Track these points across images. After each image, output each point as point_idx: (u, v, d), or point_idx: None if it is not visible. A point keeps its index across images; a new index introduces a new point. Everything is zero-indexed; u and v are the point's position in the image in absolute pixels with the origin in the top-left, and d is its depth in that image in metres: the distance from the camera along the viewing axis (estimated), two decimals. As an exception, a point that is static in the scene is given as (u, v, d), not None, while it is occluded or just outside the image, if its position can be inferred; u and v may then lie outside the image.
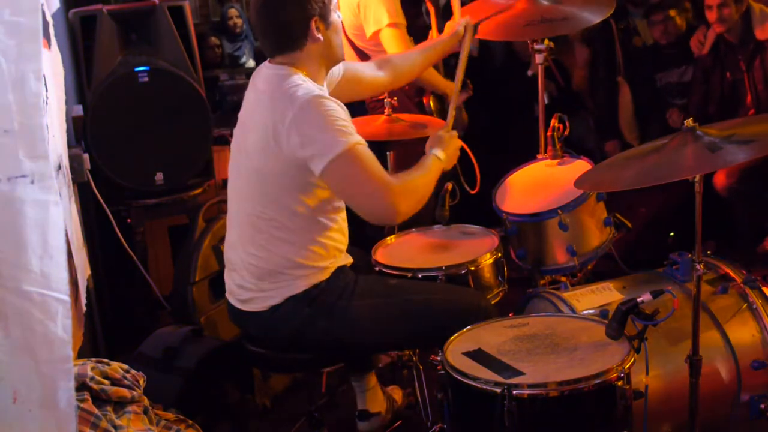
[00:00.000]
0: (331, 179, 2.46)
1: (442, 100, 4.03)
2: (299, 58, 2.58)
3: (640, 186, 2.37)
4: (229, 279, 2.72)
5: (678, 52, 4.96)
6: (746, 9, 4.46)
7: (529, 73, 5.12)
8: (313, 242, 2.57)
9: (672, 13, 4.95)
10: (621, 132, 5.23)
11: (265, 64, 2.65)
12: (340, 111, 2.48)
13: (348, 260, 2.70)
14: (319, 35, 2.58)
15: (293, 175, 2.50)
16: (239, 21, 7.40)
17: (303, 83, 2.51)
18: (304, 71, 2.58)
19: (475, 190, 3.33)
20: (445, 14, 5.24)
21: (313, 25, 2.56)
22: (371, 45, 3.89)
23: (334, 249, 2.62)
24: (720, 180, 4.34)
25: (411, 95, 3.96)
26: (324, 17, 2.59)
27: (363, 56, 3.94)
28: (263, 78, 2.62)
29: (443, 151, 2.72)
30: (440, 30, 4.15)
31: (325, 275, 2.59)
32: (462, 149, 2.88)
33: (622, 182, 2.47)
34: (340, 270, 2.63)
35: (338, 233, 2.65)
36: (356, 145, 2.44)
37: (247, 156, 2.57)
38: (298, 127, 2.42)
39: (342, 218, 2.68)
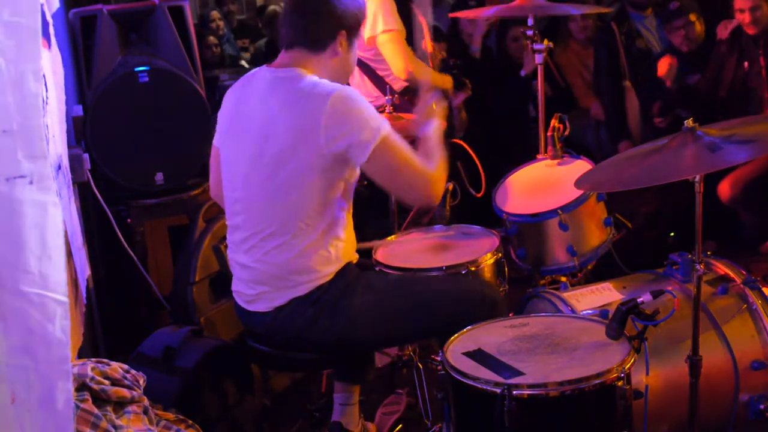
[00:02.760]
0: (378, 168, 2.51)
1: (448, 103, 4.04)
2: (313, 61, 2.59)
3: (640, 186, 2.37)
4: (235, 278, 2.72)
5: (694, 60, 4.92)
6: None
7: (523, 73, 5.13)
8: (323, 251, 2.57)
9: (692, 17, 4.90)
10: (632, 134, 5.22)
11: (266, 69, 2.63)
12: (366, 100, 2.53)
13: (353, 257, 2.70)
14: (340, 50, 2.61)
15: (318, 180, 2.50)
16: (221, 23, 7.46)
17: (319, 80, 2.53)
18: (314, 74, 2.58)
19: (480, 194, 3.34)
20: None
21: (340, 36, 2.59)
22: (371, 55, 3.90)
23: (340, 255, 2.62)
24: (724, 191, 4.32)
25: (415, 103, 3.96)
26: (351, 35, 2.63)
27: (364, 68, 3.95)
28: (271, 83, 2.58)
29: (437, 119, 2.79)
30: (433, 40, 4.18)
31: (329, 276, 2.59)
32: (466, 152, 2.89)
33: (622, 182, 2.47)
34: (344, 268, 2.63)
35: (347, 241, 2.65)
36: (390, 130, 2.52)
37: (265, 164, 2.53)
38: (334, 120, 2.44)
39: (350, 221, 2.68)
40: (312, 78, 2.54)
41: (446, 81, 4.05)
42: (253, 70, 2.69)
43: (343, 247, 2.63)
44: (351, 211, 2.68)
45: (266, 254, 2.57)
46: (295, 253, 2.55)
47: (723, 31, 4.72)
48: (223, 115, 2.75)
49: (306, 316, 2.58)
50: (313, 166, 2.49)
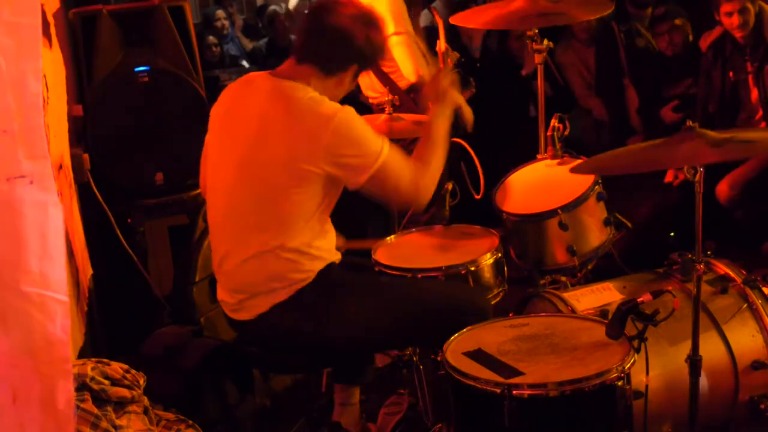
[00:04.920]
0: (372, 187, 2.53)
1: None
2: (317, 80, 2.59)
3: (638, 171, 2.36)
4: (218, 286, 2.71)
5: (684, 64, 4.92)
6: (759, 10, 4.43)
7: (524, 72, 5.13)
8: (302, 256, 2.55)
9: (678, 22, 4.90)
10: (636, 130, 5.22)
11: (269, 77, 2.61)
12: (364, 121, 2.56)
13: (335, 257, 2.68)
14: (346, 81, 2.64)
15: (306, 193, 2.50)
16: (226, 23, 7.46)
17: (322, 98, 2.53)
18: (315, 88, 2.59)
19: (480, 195, 3.34)
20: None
21: (351, 69, 2.61)
22: None
23: (320, 257, 2.60)
24: (723, 192, 4.33)
25: (418, 100, 3.97)
26: (360, 70, 2.67)
27: None
28: (272, 93, 2.57)
29: (444, 104, 2.76)
30: (449, 47, 4.18)
31: (309, 279, 2.57)
32: (468, 154, 2.88)
33: (619, 168, 2.46)
34: (326, 270, 2.61)
35: (327, 241, 2.64)
36: (389, 151, 2.52)
37: (254, 170, 2.53)
38: (336, 142, 2.46)
39: (329, 224, 2.68)
40: (315, 94, 2.54)
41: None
42: (253, 74, 2.68)
43: (323, 248, 2.61)
44: (331, 210, 2.67)
45: (245, 261, 2.56)
46: (273, 260, 2.53)
47: (703, 44, 4.73)
48: (216, 114, 2.74)
49: (290, 322, 2.57)
50: (304, 182, 2.48)
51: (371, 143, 2.51)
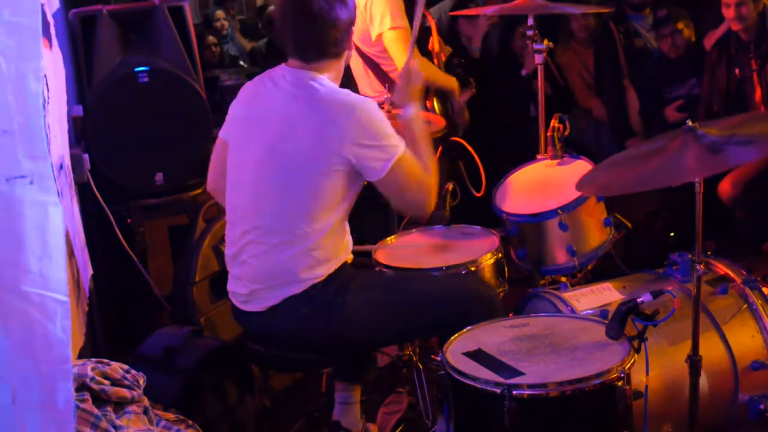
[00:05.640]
0: (390, 183, 2.54)
1: (445, 101, 4.04)
2: (332, 64, 2.63)
3: (642, 189, 2.36)
4: (230, 277, 2.72)
5: (687, 65, 4.93)
6: (763, 7, 4.44)
7: (524, 72, 5.13)
8: (321, 252, 2.57)
9: (680, 25, 4.91)
10: (636, 132, 5.22)
11: (286, 69, 2.64)
12: (384, 115, 2.57)
13: (348, 257, 2.71)
14: (352, 43, 2.68)
15: (329, 186, 2.52)
16: (226, 23, 7.47)
17: (342, 89, 2.58)
18: (329, 76, 2.63)
19: (481, 193, 3.34)
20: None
21: (350, 34, 2.65)
22: (378, 51, 3.90)
23: (337, 256, 2.63)
24: (725, 190, 4.33)
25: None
26: (354, 27, 2.69)
27: (369, 62, 3.95)
28: (292, 85, 2.59)
29: (416, 107, 2.78)
30: (443, 41, 4.19)
31: (324, 276, 2.59)
32: (467, 152, 2.89)
33: (624, 186, 2.46)
34: (340, 268, 2.64)
35: (344, 242, 2.66)
36: (405, 149, 2.56)
37: (278, 163, 2.55)
38: (358, 132, 2.48)
39: (347, 225, 2.70)
40: (334, 85, 2.59)
41: (452, 81, 4.06)
42: (273, 69, 2.69)
43: (341, 248, 2.64)
44: (350, 209, 2.69)
45: (266, 251, 2.58)
46: (293, 253, 2.55)
47: (708, 42, 4.74)
48: (236, 109, 2.75)
49: (301, 315, 2.58)
50: (328, 172, 2.51)
51: (392, 136, 2.54)
